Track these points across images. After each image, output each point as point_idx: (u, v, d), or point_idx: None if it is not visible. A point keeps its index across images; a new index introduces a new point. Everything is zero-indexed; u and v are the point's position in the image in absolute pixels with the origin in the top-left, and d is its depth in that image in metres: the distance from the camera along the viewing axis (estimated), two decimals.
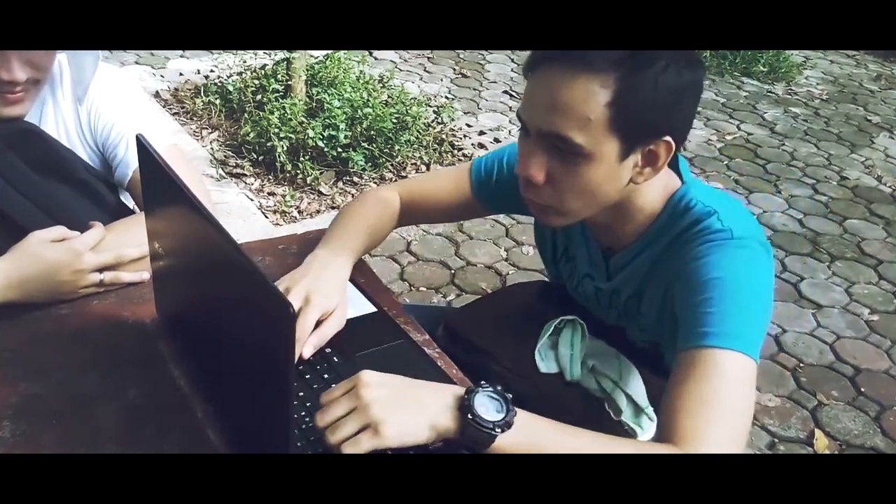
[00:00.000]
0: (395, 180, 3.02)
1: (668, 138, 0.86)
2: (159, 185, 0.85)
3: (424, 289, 2.48)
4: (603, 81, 0.81)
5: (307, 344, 0.92)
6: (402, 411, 0.75)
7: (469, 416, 0.75)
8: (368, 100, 3.09)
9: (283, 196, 2.83)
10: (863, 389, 2.23)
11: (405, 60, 4.33)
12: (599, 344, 1.09)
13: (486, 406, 0.76)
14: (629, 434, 1.02)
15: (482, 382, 0.78)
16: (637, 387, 1.03)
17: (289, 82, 3.15)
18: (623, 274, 1.02)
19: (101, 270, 1.02)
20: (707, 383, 0.80)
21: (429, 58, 4.39)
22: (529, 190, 0.91)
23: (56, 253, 0.99)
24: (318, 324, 0.94)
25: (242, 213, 2.72)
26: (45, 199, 1.09)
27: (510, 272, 2.59)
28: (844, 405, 2.16)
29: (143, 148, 0.85)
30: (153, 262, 0.96)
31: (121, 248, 1.03)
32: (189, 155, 3.07)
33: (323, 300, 0.95)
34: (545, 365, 1.08)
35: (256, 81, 3.24)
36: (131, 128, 1.13)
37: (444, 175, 1.21)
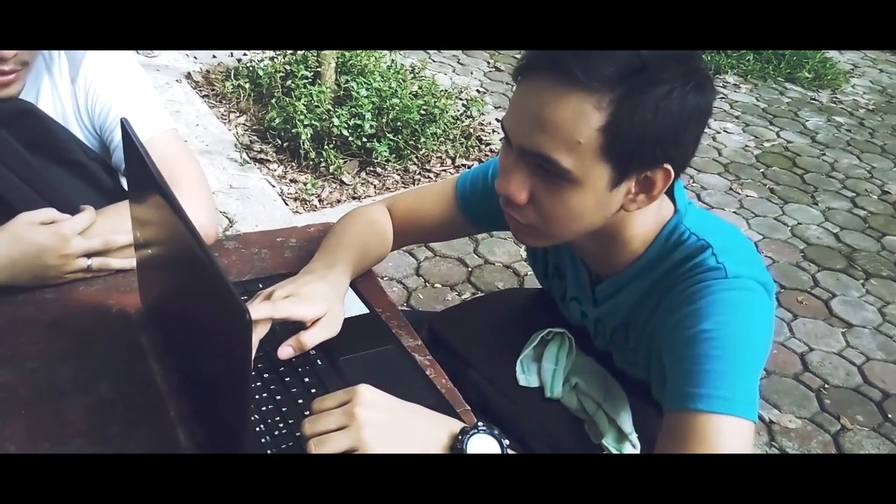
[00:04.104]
0: (419, 173, 2.98)
1: (667, 166, 0.78)
2: (140, 174, 0.82)
3: (440, 285, 2.43)
4: (597, 102, 0.73)
5: (284, 345, 0.87)
6: (392, 441, 0.71)
7: None
8: (397, 90, 3.05)
9: (305, 184, 2.80)
10: (890, 415, 2.13)
11: (438, 51, 4.28)
12: (588, 361, 1.03)
13: (480, 450, 0.72)
14: None
15: (479, 423, 0.74)
16: (622, 411, 0.97)
17: (318, 69, 3.12)
18: (609, 303, 0.95)
19: (89, 256, 0.99)
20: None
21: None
22: (510, 207, 0.84)
23: (43, 236, 0.96)
24: (307, 328, 0.89)
25: (263, 199, 2.71)
26: (38, 180, 1.07)
27: (528, 272, 2.53)
28: (869, 431, 2.07)
29: (127, 134, 0.82)
30: (136, 250, 0.94)
31: (110, 233, 1.00)
32: (217, 137, 3.08)
33: (301, 303, 0.88)
34: (525, 378, 1.02)
35: (287, 67, 3.22)
36: (129, 111, 1.10)
37: (431, 190, 1.13)
